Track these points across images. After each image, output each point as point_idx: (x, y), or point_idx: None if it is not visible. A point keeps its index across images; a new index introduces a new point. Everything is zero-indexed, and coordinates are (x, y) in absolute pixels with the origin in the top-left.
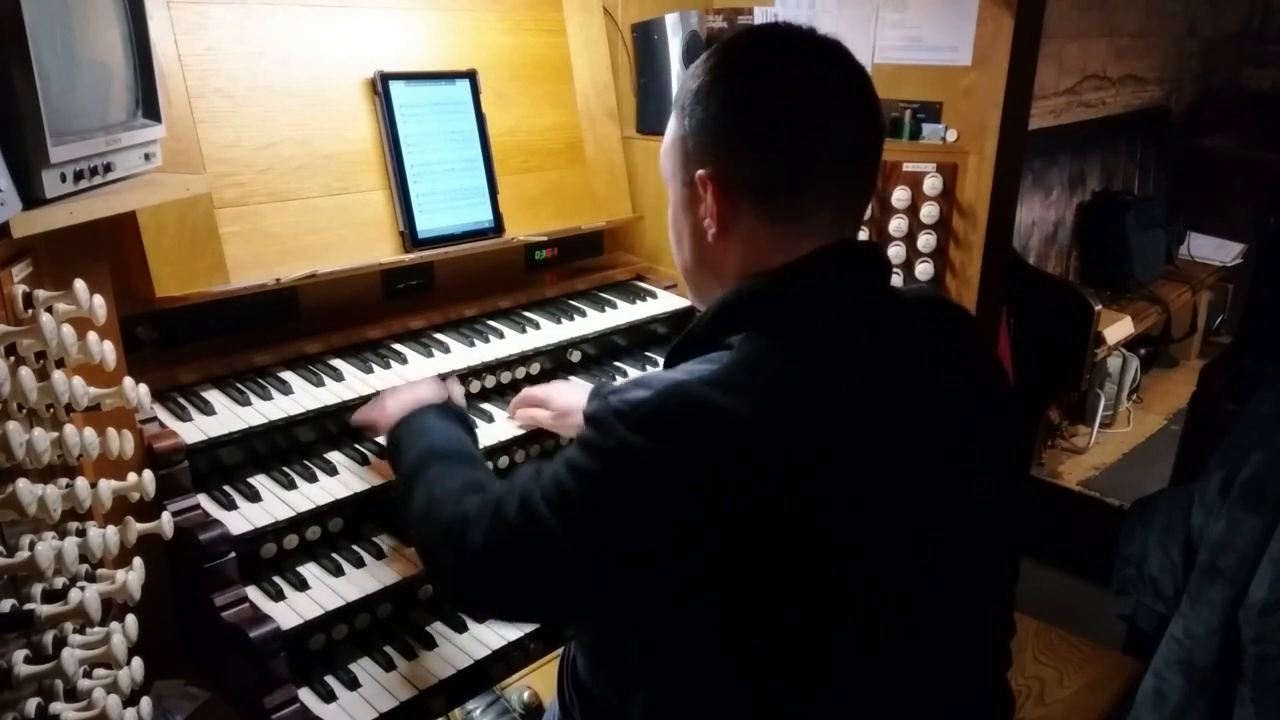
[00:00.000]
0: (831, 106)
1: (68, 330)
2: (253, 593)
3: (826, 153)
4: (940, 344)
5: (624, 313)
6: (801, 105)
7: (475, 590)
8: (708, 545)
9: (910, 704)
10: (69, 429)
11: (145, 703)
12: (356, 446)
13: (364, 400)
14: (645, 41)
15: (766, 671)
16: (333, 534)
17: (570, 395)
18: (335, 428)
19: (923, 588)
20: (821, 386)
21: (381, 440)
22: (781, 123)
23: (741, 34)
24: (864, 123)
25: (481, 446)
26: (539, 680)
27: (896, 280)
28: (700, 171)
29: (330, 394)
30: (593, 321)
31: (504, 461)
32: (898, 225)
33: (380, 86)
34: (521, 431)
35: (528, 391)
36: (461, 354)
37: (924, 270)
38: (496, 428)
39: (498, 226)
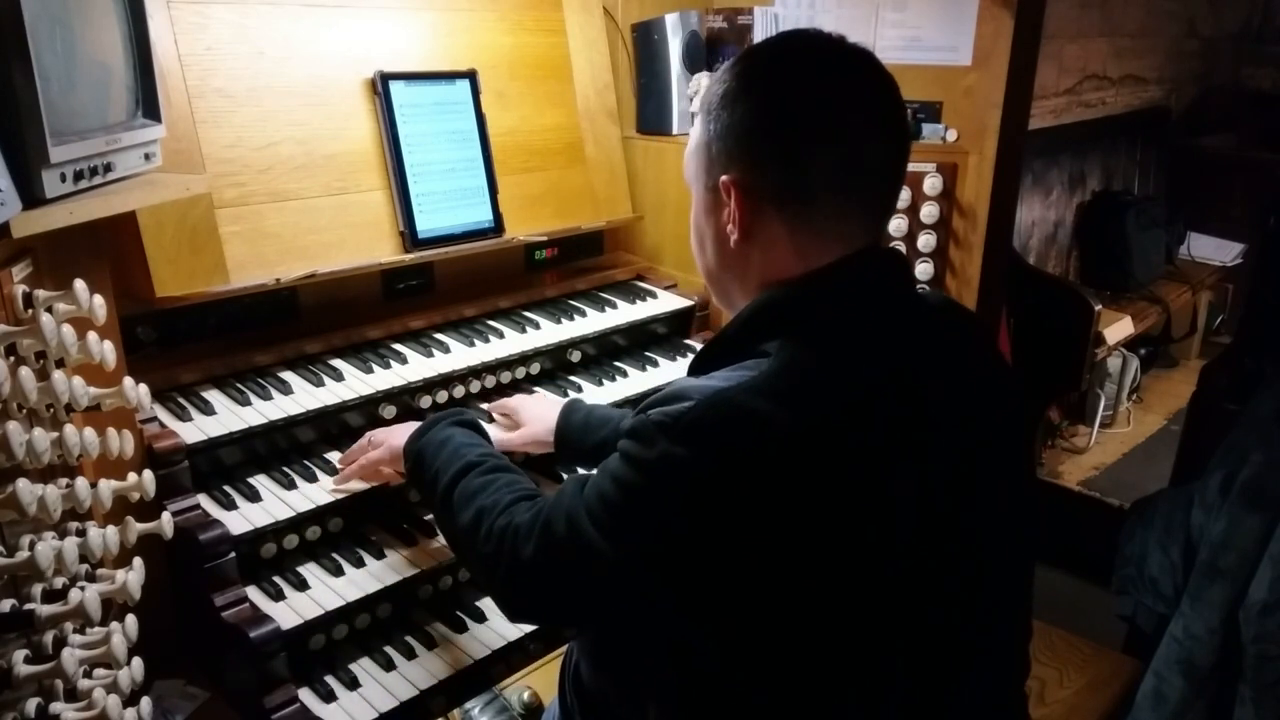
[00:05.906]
0: (857, 117)
1: (68, 330)
2: (253, 593)
3: (850, 164)
4: (965, 349)
5: (624, 313)
6: (827, 116)
7: (527, 601)
8: (751, 554)
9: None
10: (69, 429)
11: (145, 703)
12: None
13: (364, 400)
14: (645, 41)
15: (794, 685)
16: (333, 534)
17: (534, 409)
18: (335, 428)
19: (960, 596)
20: (863, 396)
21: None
22: (806, 132)
23: (771, 40)
24: (890, 134)
25: None
26: (539, 680)
27: None
28: (724, 177)
29: (330, 394)
30: (593, 321)
31: None
32: (898, 225)
33: (380, 86)
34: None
35: (503, 402)
36: (461, 354)
37: (924, 270)
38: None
39: (498, 226)
